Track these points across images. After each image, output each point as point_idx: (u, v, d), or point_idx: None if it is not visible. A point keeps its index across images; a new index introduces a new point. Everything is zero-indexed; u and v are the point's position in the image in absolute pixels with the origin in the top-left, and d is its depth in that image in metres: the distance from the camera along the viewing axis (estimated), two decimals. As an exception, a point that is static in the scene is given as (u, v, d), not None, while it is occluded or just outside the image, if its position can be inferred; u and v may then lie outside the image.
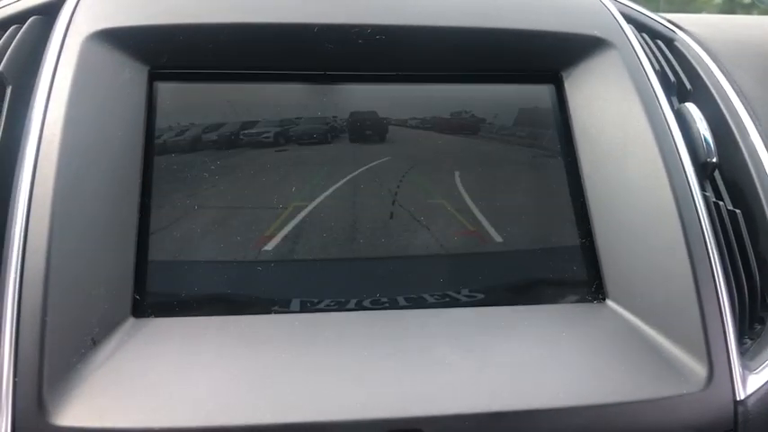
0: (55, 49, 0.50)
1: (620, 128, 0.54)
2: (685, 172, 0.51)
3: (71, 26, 0.51)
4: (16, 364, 0.39)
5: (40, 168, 0.44)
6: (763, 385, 0.47)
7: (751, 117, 0.60)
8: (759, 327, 0.53)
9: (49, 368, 0.39)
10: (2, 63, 0.53)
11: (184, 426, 0.38)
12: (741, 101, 0.61)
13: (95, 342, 0.42)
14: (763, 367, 0.48)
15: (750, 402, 0.46)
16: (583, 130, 0.55)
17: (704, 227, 0.50)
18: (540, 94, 0.57)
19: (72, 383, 0.40)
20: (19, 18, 0.58)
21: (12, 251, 0.42)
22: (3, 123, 0.50)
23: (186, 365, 0.42)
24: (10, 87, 0.52)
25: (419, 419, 0.40)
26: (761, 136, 0.59)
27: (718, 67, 0.64)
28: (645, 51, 0.58)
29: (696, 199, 0.51)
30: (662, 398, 0.45)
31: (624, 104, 0.54)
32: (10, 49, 0.54)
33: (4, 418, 0.38)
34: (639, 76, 0.55)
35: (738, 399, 0.46)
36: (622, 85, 0.55)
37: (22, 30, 0.56)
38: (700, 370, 0.46)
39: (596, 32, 0.57)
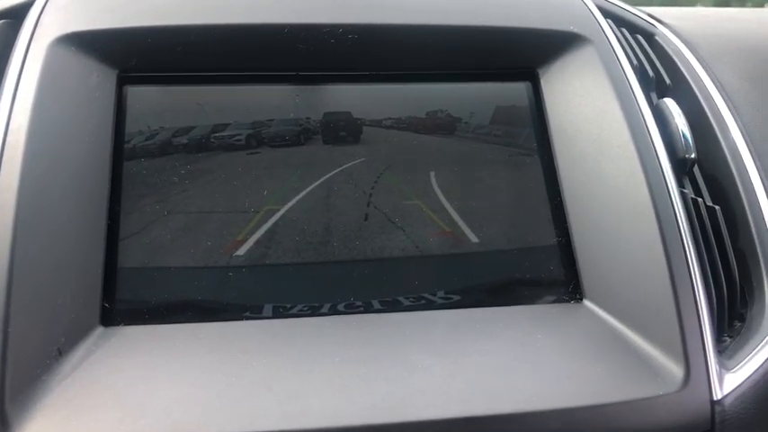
0: (20, 54, 0.49)
1: (596, 125, 0.53)
2: (662, 169, 0.51)
3: (37, 29, 0.51)
4: None
5: (2, 175, 0.43)
6: (740, 384, 0.46)
7: (731, 112, 0.60)
8: (739, 324, 0.52)
9: (12, 380, 0.39)
10: None
11: None
12: (721, 95, 0.61)
13: (61, 352, 0.41)
14: (741, 366, 0.48)
15: (727, 402, 0.45)
16: (559, 127, 0.54)
17: (681, 224, 0.49)
18: (516, 91, 0.56)
19: (36, 395, 0.39)
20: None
21: None
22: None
23: (155, 375, 0.41)
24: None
25: (395, 426, 0.40)
26: (741, 131, 0.58)
27: (699, 61, 0.64)
28: (623, 46, 0.58)
29: (673, 196, 0.50)
30: (638, 399, 0.44)
31: (600, 101, 0.53)
32: None
33: (-35, 433, 0.38)
34: (616, 72, 0.55)
35: (715, 398, 0.45)
36: (599, 81, 0.54)
37: None
38: (676, 370, 0.45)
39: (572, 28, 0.56)
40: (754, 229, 0.55)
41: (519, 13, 0.57)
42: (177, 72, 0.52)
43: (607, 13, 0.62)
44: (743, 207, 0.55)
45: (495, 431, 0.42)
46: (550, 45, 0.56)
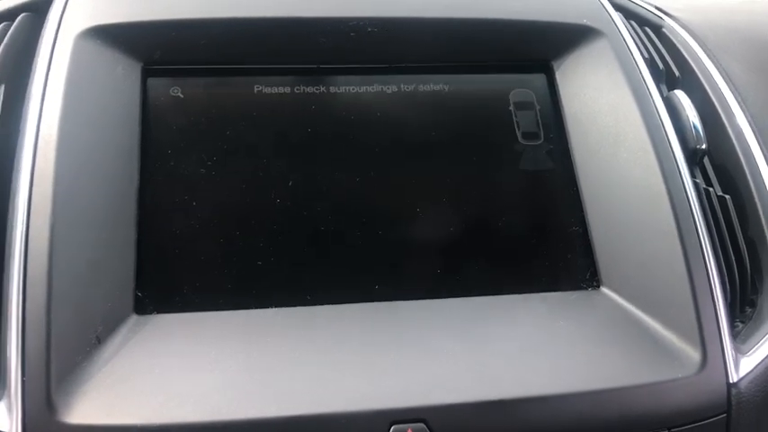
0: (47, 47, 0.50)
1: (611, 117, 0.54)
2: (676, 159, 0.52)
3: (62, 23, 0.51)
4: (24, 365, 0.39)
5: (38, 168, 0.44)
6: (754, 368, 0.48)
7: (739, 103, 0.61)
8: (750, 310, 0.54)
9: (57, 367, 0.40)
10: None
11: (193, 421, 0.39)
12: (729, 87, 0.62)
13: (100, 340, 0.42)
14: (755, 350, 0.49)
15: (742, 385, 0.47)
16: (574, 118, 0.56)
17: (695, 213, 0.50)
18: (531, 83, 0.58)
19: (79, 382, 0.40)
20: (8, 15, 0.58)
21: (14, 252, 0.42)
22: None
23: (190, 361, 0.42)
24: (2, 86, 0.52)
25: (423, 409, 0.41)
26: (749, 122, 0.60)
27: (706, 53, 0.65)
28: (634, 39, 0.59)
29: (687, 186, 0.51)
30: (657, 382, 0.45)
31: (615, 93, 0.55)
32: (1, 48, 0.53)
33: (15, 418, 0.38)
34: (629, 65, 0.56)
35: (731, 381, 0.47)
36: (613, 73, 0.55)
37: (12, 27, 0.55)
38: (693, 354, 0.47)
39: (586, 21, 0.57)
40: (763, 218, 0.56)
41: (534, 6, 0.58)
42: (200, 65, 0.53)
43: (617, 6, 0.63)
44: (752, 197, 0.57)
45: (522, 413, 0.43)
46: (565, 38, 0.57)
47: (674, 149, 0.53)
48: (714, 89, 0.62)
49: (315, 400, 0.40)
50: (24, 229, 0.42)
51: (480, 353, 0.45)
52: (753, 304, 0.54)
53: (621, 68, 0.55)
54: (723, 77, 0.63)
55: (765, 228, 0.56)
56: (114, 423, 0.38)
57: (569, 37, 0.57)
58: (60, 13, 0.52)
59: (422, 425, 0.41)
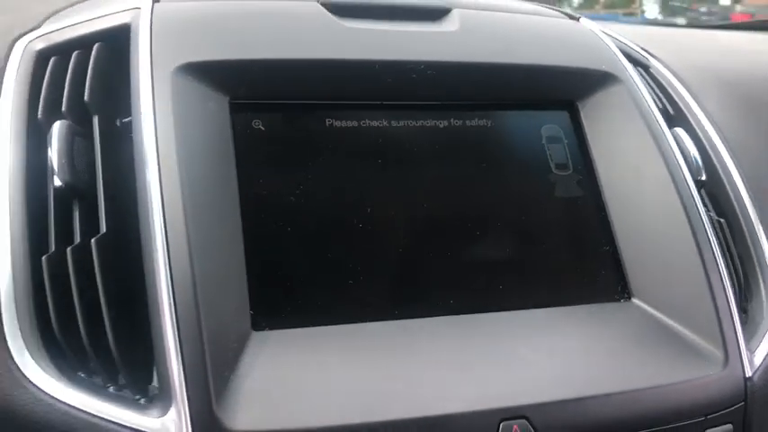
0: (146, 82, 0.53)
1: (632, 152, 0.63)
2: (689, 188, 0.62)
3: (155, 59, 0.54)
4: (186, 380, 0.43)
5: (167, 202, 0.48)
6: (761, 363, 0.58)
7: (721, 139, 0.72)
8: (744, 315, 0.64)
9: (213, 381, 0.44)
10: (86, 92, 0.56)
11: (342, 423, 0.44)
12: (712, 125, 0.73)
13: (231, 356, 0.47)
14: (759, 348, 0.59)
15: (756, 378, 0.57)
16: (599, 152, 0.64)
17: (709, 234, 0.60)
18: (559, 121, 0.66)
19: (233, 393, 0.44)
20: (78, 44, 0.60)
21: (161, 279, 0.46)
22: (99, 154, 0.53)
23: (317, 370, 0.47)
24: (96, 117, 0.55)
25: (524, 407, 0.48)
26: (731, 156, 0.71)
27: (689, 93, 0.76)
28: (641, 81, 0.68)
29: (700, 210, 0.61)
30: (690, 380, 0.54)
31: (633, 130, 0.64)
32: (89, 78, 0.56)
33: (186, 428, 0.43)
34: (643, 106, 0.65)
35: (747, 376, 0.56)
36: (630, 114, 0.64)
37: (92, 58, 0.58)
38: (717, 354, 0.56)
39: (604, 67, 0.66)
40: (748, 238, 0.67)
41: (562, 54, 0.66)
42: (279, 100, 0.58)
43: (621, 51, 0.73)
44: (739, 220, 0.68)
45: (595, 408, 0.50)
46: (588, 82, 0.66)
47: (687, 179, 0.62)
48: (700, 126, 0.73)
49: (436, 402, 0.47)
50: (167, 261, 0.46)
51: (551, 358, 0.53)
52: (745, 311, 0.65)
53: (637, 109, 0.64)
54: (706, 116, 0.74)
55: (751, 246, 0.67)
56: (275, 428, 0.43)
57: (591, 81, 0.66)
58: (149, 47, 0.55)
59: (524, 421, 0.48)
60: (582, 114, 0.66)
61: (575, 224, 0.62)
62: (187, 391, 0.44)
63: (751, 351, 0.58)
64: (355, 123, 0.60)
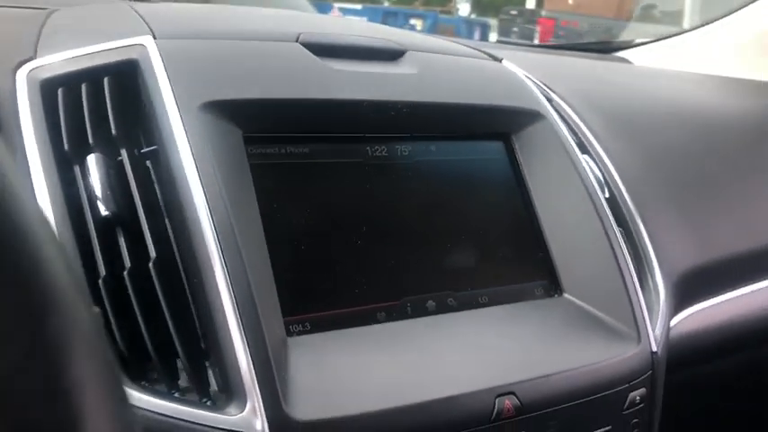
0: (176, 118, 0.59)
1: (557, 175, 0.78)
2: (602, 203, 0.78)
3: (178, 96, 0.61)
4: (258, 377, 0.52)
5: (218, 223, 0.55)
6: (660, 341, 0.75)
7: (610, 161, 0.89)
8: (640, 304, 0.81)
9: (279, 378, 0.52)
10: (112, 126, 0.61)
11: (395, 406, 0.54)
12: (603, 149, 0.90)
13: (282, 358, 0.55)
14: (656, 329, 0.77)
15: (659, 351, 0.74)
16: (531, 175, 0.78)
17: (619, 239, 0.76)
18: (497, 150, 0.79)
19: (296, 389, 0.53)
20: (86, 77, 0.64)
21: (224, 295, 0.53)
22: (134, 183, 0.59)
23: (357, 363, 0.57)
24: (124, 150, 0.61)
25: (512, 385, 0.61)
26: (618, 175, 0.88)
27: (582, 122, 0.93)
28: (558, 117, 0.84)
29: (611, 221, 0.77)
30: (616, 356, 0.70)
31: (558, 158, 0.79)
32: (111, 112, 0.61)
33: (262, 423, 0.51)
34: (563, 137, 0.80)
35: (653, 350, 0.73)
36: (554, 144, 0.79)
37: (107, 92, 0.63)
38: (633, 335, 0.72)
39: (533, 106, 0.81)
40: (637, 242, 0.85)
41: (498, 93, 0.80)
42: (282, 133, 0.66)
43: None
44: (629, 227, 0.85)
45: (552, 383, 0.64)
46: (520, 119, 0.80)
47: (600, 196, 0.78)
48: (595, 151, 0.90)
49: (449, 385, 0.58)
50: (227, 277, 0.54)
51: (515, 346, 0.66)
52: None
53: (559, 140, 0.80)
54: (598, 142, 0.91)
55: (640, 248, 0.84)
56: (334, 416, 0.53)
57: (523, 118, 0.80)
58: (169, 86, 0.61)
59: (513, 396, 0.61)
60: (516, 145, 0.80)
61: (514, 235, 0.76)
62: (259, 390, 0.52)
63: (654, 332, 0.75)
64: (340, 152, 0.69)
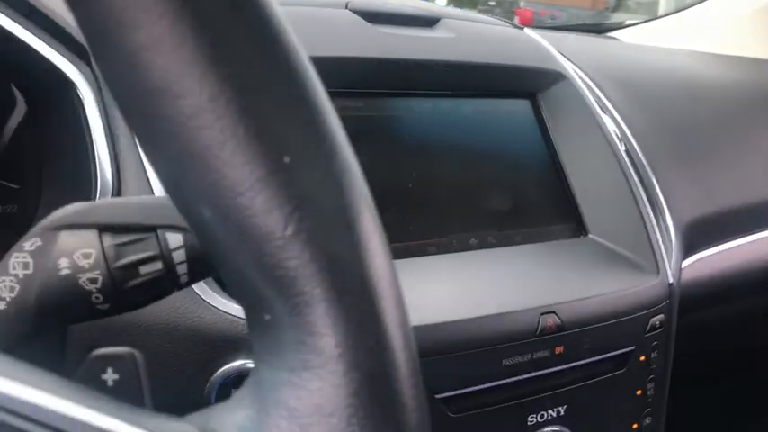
0: None
1: (581, 129, 0.86)
2: (622, 153, 0.86)
3: None
4: None
5: None
6: (675, 273, 0.84)
7: (622, 119, 0.98)
8: (654, 246, 0.90)
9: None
10: None
11: (448, 320, 0.62)
12: (615, 109, 0.99)
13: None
14: (671, 263, 0.85)
15: (674, 283, 0.82)
16: (556, 130, 0.87)
17: (639, 185, 0.85)
18: (525, 107, 0.87)
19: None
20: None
21: None
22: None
23: (418, 288, 0.65)
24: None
25: (554, 305, 0.69)
26: (629, 131, 0.97)
27: (597, 87, 1.01)
28: (579, 78, 0.92)
29: (630, 169, 0.86)
30: (640, 286, 0.78)
31: (581, 114, 0.87)
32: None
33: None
34: (585, 95, 0.88)
35: (670, 282, 0.81)
36: (578, 102, 0.88)
37: None
38: (653, 269, 0.80)
39: (556, 68, 0.89)
40: (650, 189, 0.93)
41: (524, 55, 0.88)
42: (343, 89, 0.74)
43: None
44: (641, 176, 0.94)
45: (587, 306, 0.72)
46: (545, 79, 0.88)
47: (619, 147, 0.87)
48: (607, 110, 0.98)
49: (504, 304, 0.66)
50: None
51: (552, 275, 0.74)
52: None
53: (582, 99, 0.88)
54: (610, 103, 0.99)
55: (653, 195, 0.93)
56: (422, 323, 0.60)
57: (548, 78, 0.88)
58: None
59: (554, 315, 0.69)
60: (542, 103, 0.88)
61: (543, 183, 0.84)
62: None
63: (670, 267, 0.84)
64: (390, 107, 0.77)
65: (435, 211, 0.75)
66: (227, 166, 0.23)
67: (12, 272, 0.34)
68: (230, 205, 0.23)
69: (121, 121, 0.65)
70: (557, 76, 0.88)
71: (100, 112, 0.62)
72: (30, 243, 0.34)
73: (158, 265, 0.35)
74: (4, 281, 0.34)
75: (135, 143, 0.64)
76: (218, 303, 0.59)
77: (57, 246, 0.34)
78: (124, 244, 0.35)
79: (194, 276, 0.36)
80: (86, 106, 0.62)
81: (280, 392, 0.23)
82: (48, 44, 0.61)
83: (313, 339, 0.23)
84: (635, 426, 0.79)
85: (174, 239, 0.35)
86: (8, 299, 0.33)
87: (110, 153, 0.61)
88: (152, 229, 0.35)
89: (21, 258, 0.34)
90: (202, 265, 0.36)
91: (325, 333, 0.23)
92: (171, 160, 0.23)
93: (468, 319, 0.64)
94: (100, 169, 0.60)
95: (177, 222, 0.35)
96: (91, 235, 0.34)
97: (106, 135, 0.61)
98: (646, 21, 1.69)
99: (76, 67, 0.62)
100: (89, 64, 0.63)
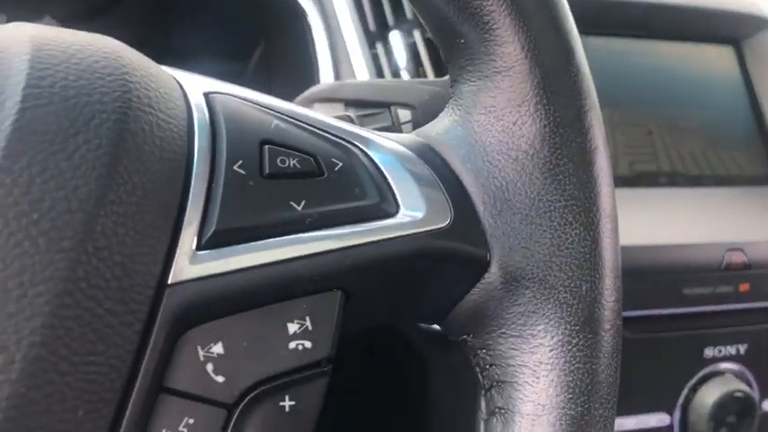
0: None
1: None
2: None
3: None
4: None
5: None
6: None
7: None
8: None
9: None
10: (406, 11, 0.75)
11: (636, 243, 0.65)
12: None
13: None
14: None
15: None
16: (759, 78, 0.85)
17: None
18: (728, 55, 0.86)
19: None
20: None
21: None
22: (426, 62, 0.73)
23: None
24: (417, 32, 0.75)
25: (741, 243, 0.70)
26: None
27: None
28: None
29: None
30: None
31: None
32: None
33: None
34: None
35: None
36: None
37: None
38: None
39: (762, 14, 0.87)
40: None
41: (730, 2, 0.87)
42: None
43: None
44: None
45: (756, 249, 0.72)
46: (751, 25, 0.86)
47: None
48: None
49: (685, 236, 0.68)
50: None
51: (738, 212, 0.74)
52: None
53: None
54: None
55: None
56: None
57: (753, 24, 0.86)
58: None
59: (741, 252, 0.69)
60: (745, 50, 0.86)
61: (740, 130, 0.83)
62: None
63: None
64: (589, 47, 0.80)
65: (630, 147, 0.77)
66: None
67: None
68: None
69: (342, 47, 0.74)
70: (762, 23, 0.86)
71: (326, 36, 0.71)
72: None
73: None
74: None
75: (352, 66, 0.72)
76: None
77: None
78: (366, 116, 0.42)
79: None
80: (314, 32, 0.71)
81: (477, 96, 0.29)
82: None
83: (501, 48, 0.29)
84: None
85: (404, 114, 0.42)
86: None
87: (333, 72, 0.69)
88: (386, 105, 0.42)
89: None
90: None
91: (511, 41, 0.29)
92: None
93: (652, 245, 0.66)
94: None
95: (407, 100, 0.42)
96: (339, 107, 0.42)
97: (332, 57, 0.70)
98: None
99: None
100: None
